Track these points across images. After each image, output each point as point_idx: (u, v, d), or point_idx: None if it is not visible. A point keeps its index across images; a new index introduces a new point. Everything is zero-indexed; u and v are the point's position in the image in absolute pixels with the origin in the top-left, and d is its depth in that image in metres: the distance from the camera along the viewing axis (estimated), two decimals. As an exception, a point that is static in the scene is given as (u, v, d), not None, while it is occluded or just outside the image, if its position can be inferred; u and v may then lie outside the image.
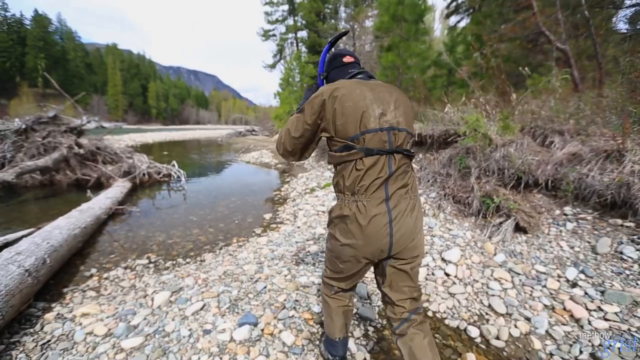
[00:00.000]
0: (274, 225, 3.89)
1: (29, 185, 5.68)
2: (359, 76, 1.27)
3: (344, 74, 1.31)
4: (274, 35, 35.40)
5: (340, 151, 1.16)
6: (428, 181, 4.05)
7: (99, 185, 5.84)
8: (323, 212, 4.10)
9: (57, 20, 75.41)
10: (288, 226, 3.76)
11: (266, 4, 31.55)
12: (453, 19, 11.84)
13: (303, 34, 33.97)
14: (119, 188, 5.13)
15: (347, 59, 1.35)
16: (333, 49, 1.44)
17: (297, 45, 34.24)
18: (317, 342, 1.75)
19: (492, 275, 2.34)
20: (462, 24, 11.09)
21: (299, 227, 3.67)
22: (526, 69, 4.71)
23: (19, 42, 65.92)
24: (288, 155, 1.34)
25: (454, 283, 2.32)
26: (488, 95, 4.75)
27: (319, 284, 2.27)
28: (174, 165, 6.78)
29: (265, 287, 2.25)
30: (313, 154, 9.59)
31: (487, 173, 3.38)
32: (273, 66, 35.68)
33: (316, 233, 3.38)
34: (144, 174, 6.22)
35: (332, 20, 32.84)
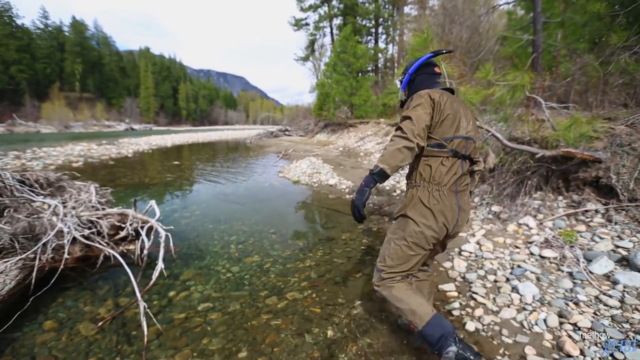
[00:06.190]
0: None
1: None
2: (448, 92, 1.51)
3: (431, 82, 1.58)
4: (306, 24, 31.78)
5: (432, 147, 1.41)
6: None
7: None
8: None
9: (94, 26, 77.25)
10: None
11: (299, -13, 28.04)
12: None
13: (339, 21, 30.08)
14: None
15: (438, 70, 1.61)
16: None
17: (332, 35, 30.41)
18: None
19: None
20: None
21: None
22: None
23: (59, 48, 67.74)
24: (421, 140, 1.34)
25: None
26: None
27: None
28: (152, 210, 2.97)
29: None
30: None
31: None
32: (306, 58, 32.23)
33: None
34: (61, 247, 2.46)
35: (372, 5, 28.77)
